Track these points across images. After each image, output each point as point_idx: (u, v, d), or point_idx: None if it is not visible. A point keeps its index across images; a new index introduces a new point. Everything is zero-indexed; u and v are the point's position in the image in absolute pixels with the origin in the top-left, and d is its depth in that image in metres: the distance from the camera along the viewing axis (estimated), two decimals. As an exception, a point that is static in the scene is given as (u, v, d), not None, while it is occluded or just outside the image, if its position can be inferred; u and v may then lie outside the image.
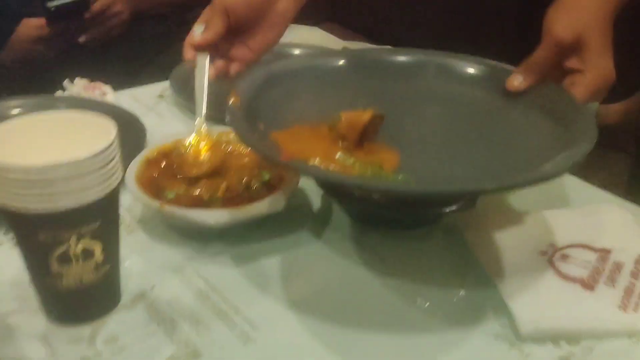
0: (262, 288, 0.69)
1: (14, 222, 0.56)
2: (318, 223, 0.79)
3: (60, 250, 0.57)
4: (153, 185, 0.78)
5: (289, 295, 0.67)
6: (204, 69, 0.87)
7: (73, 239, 0.57)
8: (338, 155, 0.71)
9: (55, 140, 0.59)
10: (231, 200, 0.76)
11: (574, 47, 0.72)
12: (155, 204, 0.72)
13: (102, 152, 0.56)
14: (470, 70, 0.82)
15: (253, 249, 0.74)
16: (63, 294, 0.60)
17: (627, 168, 1.48)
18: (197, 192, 0.77)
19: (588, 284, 0.66)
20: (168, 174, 0.80)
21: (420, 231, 0.77)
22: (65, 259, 0.58)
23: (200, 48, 0.88)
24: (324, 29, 1.65)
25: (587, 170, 0.88)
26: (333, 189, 0.76)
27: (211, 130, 0.84)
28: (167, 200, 0.75)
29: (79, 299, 0.61)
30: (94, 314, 0.63)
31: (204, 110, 0.84)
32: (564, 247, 0.71)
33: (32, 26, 1.47)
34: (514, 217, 0.76)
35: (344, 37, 1.56)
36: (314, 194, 0.83)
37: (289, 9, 0.93)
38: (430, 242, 0.76)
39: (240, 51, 0.91)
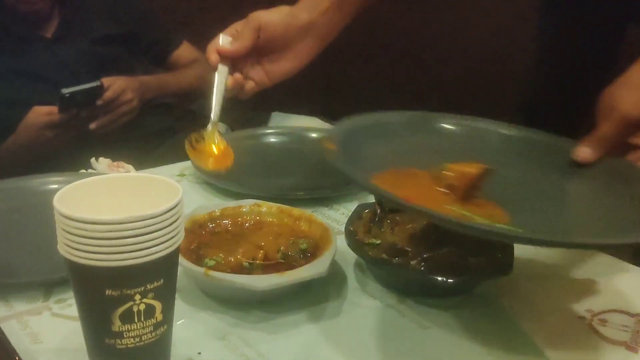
0: (307, 355, 0.69)
1: (82, 278, 0.57)
2: (355, 292, 0.80)
3: (124, 307, 0.57)
4: (192, 254, 0.79)
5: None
6: (224, 75, 0.93)
7: (137, 296, 0.57)
8: (451, 206, 0.71)
9: (123, 200, 0.60)
10: (270, 267, 0.77)
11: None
12: (199, 270, 0.73)
13: (170, 209, 0.57)
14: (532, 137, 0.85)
15: (294, 317, 0.75)
16: (121, 354, 0.59)
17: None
18: (235, 257, 0.78)
19: (631, 347, 0.67)
20: (206, 243, 0.81)
21: (455, 299, 0.78)
22: (128, 316, 0.57)
23: (224, 55, 0.92)
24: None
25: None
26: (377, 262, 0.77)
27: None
28: (208, 267, 0.76)
29: (133, 361, 0.60)
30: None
31: (217, 113, 0.93)
32: (600, 312, 0.73)
33: (42, 113, 1.50)
34: (548, 283, 0.78)
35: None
36: (346, 264, 0.84)
37: (314, 46, 0.97)
38: (467, 309, 0.77)
39: (257, 73, 0.95)
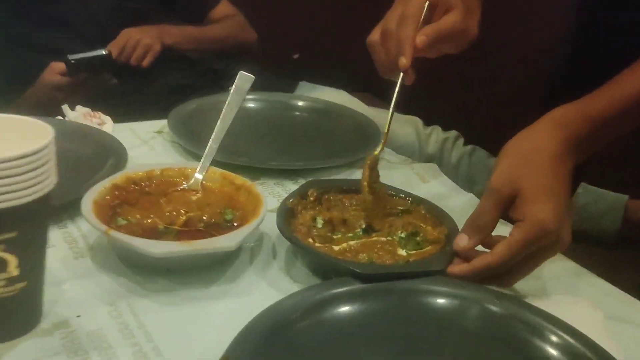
0: (194, 336, 0.63)
1: None
2: (277, 273, 0.73)
3: (-33, 255, 0.53)
4: (109, 210, 0.74)
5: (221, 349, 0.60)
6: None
7: (-18, 246, 0.53)
8: None
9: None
10: (185, 234, 0.72)
11: (513, 199, 0.68)
12: (101, 227, 0.68)
13: (23, 156, 0.52)
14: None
15: (198, 292, 0.69)
16: (-33, 306, 0.55)
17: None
18: (152, 220, 0.73)
19: None
20: (131, 202, 0.77)
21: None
22: (-28, 267, 0.53)
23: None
24: (362, 98, 1.63)
25: (614, 271, 0.81)
26: None
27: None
28: (117, 227, 0.71)
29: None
30: (3, 335, 0.58)
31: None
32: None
33: (56, 71, 1.49)
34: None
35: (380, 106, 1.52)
36: (282, 242, 0.77)
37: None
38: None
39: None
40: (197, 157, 0.96)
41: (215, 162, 0.85)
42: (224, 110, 0.89)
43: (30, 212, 0.55)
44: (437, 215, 0.78)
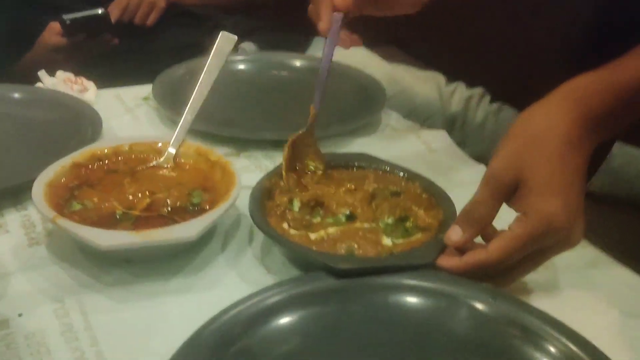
0: (144, 340, 0.56)
1: None
2: (250, 262, 0.65)
3: None
4: (66, 193, 0.67)
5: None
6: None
7: None
8: None
9: None
10: (143, 221, 0.64)
11: (515, 188, 0.58)
12: (49, 214, 0.61)
13: None
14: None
15: (157, 285, 0.62)
16: None
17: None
18: (111, 204, 0.65)
19: None
20: (91, 183, 0.70)
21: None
22: None
23: (341, 8, 0.76)
24: (383, 52, 1.52)
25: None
26: None
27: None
28: (70, 212, 0.64)
29: None
30: None
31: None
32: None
33: (54, 32, 1.42)
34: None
35: (402, 62, 1.41)
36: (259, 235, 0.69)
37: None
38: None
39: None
40: (190, 131, 0.89)
41: (199, 133, 0.78)
42: (201, 77, 0.80)
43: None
44: (435, 196, 0.68)
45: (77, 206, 0.65)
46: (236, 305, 0.54)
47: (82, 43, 1.43)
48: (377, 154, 0.76)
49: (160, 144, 0.75)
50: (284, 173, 0.70)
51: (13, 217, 0.70)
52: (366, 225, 0.64)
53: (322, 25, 0.76)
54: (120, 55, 1.48)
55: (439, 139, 0.93)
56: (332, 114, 0.97)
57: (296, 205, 0.67)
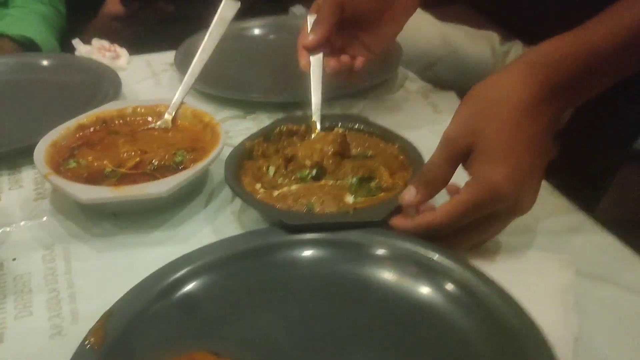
0: (115, 285, 0.60)
1: None
2: (228, 217, 0.69)
3: None
4: (66, 153, 0.74)
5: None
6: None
7: None
8: None
9: None
10: (128, 177, 0.70)
11: (469, 152, 0.57)
12: (43, 170, 0.68)
13: None
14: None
15: (139, 238, 0.67)
16: None
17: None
18: (101, 163, 0.71)
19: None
20: (91, 143, 0.76)
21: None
22: None
23: (312, 49, 0.79)
24: (455, 12, 1.50)
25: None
26: None
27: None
28: (65, 169, 0.71)
29: None
30: None
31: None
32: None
33: (114, 2, 1.51)
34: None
35: (474, 23, 1.38)
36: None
37: (411, 2, 0.82)
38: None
39: (358, 50, 0.83)
40: (202, 94, 0.94)
41: (210, 97, 0.82)
42: (203, 43, 0.84)
43: None
44: (409, 158, 0.69)
45: (72, 164, 0.72)
46: (187, 257, 0.58)
47: (139, 11, 1.51)
48: (381, 114, 0.77)
49: (162, 107, 0.80)
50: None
51: (28, 174, 0.78)
52: (331, 182, 0.66)
53: (302, 62, 0.80)
54: (177, 22, 1.54)
55: (447, 101, 0.92)
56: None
57: (271, 171, 0.69)
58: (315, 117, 0.76)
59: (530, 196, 0.57)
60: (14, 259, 0.65)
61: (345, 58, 0.81)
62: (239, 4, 0.86)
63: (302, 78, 0.82)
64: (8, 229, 0.69)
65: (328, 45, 0.80)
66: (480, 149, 0.56)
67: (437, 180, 0.60)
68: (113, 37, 1.41)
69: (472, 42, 1.38)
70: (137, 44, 1.16)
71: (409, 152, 0.70)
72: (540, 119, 0.57)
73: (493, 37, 1.46)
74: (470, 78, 1.19)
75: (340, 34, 0.81)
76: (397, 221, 0.60)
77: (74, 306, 0.59)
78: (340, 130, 0.73)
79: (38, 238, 0.68)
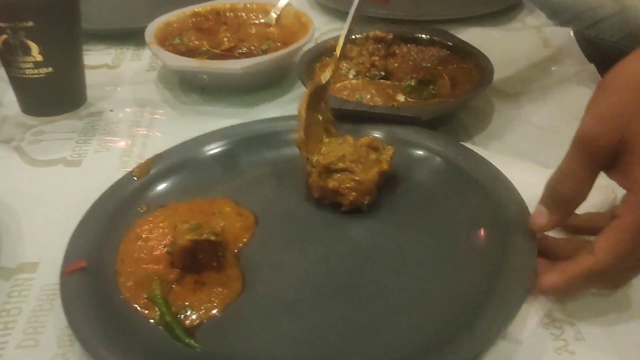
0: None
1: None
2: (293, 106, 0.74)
3: (2, 38, 0.67)
4: (177, 32, 0.83)
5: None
6: None
7: (9, 31, 0.66)
8: None
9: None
10: (220, 57, 0.78)
11: (615, 155, 0.43)
12: (148, 40, 0.77)
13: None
14: None
15: (212, 109, 0.75)
16: (16, 81, 0.71)
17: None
18: (202, 43, 0.80)
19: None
20: (201, 27, 0.84)
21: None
22: (9, 49, 0.68)
23: None
24: None
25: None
26: None
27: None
28: (169, 44, 0.80)
29: (30, 93, 0.72)
30: (40, 111, 0.73)
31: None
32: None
33: None
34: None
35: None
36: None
37: None
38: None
39: None
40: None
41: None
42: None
43: (45, 6, 0.66)
44: (480, 72, 0.68)
45: (176, 41, 0.81)
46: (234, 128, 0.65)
47: None
48: (486, 41, 0.76)
49: (269, 5, 0.86)
50: (301, 124, 0.58)
51: (149, 51, 0.88)
52: (389, 82, 0.68)
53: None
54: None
55: (560, 35, 0.87)
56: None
57: (351, 74, 0.72)
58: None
59: None
60: (111, 110, 0.76)
61: None
62: None
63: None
64: (119, 89, 0.80)
65: None
66: (636, 150, 0.42)
67: (574, 194, 0.45)
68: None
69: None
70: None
71: (485, 68, 0.69)
72: None
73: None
74: (638, 38, 1.10)
75: None
76: (544, 280, 0.45)
77: (144, 151, 0.68)
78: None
79: (137, 98, 0.78)
